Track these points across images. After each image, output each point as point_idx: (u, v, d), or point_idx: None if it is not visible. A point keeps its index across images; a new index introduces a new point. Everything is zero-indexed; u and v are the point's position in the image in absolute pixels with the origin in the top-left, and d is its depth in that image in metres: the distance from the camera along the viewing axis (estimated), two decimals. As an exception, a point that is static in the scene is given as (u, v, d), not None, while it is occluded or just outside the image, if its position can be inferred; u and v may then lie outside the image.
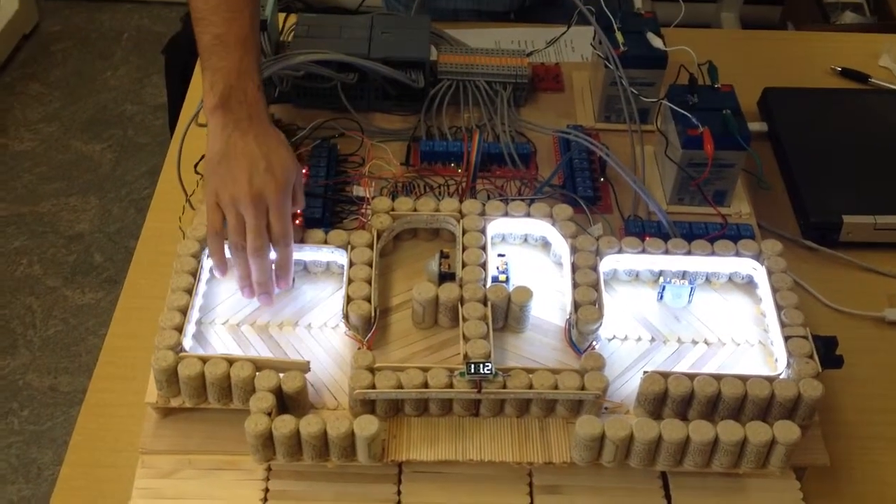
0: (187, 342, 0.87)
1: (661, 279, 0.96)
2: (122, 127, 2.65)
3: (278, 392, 0.82)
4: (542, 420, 0.86)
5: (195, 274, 0.91)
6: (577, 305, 0.90)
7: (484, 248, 0.95)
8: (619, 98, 1.14)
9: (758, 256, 0.96)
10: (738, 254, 0.96)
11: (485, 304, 0.89)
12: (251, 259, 0.91)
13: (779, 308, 0.91)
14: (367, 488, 0.84)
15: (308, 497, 0.84)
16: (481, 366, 0.82)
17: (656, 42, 1.16)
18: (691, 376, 0.83)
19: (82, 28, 3.00)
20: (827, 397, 0.85)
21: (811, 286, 1.06)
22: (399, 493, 0.84)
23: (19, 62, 2.85)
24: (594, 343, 0.90)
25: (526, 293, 0.90)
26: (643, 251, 0.96)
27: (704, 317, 0.94)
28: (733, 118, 1.05)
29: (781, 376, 0.86)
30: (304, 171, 1.06)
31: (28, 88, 2.76)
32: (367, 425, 0.79)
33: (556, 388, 0.83)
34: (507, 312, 0.91)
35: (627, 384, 0.88)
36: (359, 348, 0.88)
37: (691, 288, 0.95)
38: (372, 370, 0.83)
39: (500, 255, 0.97)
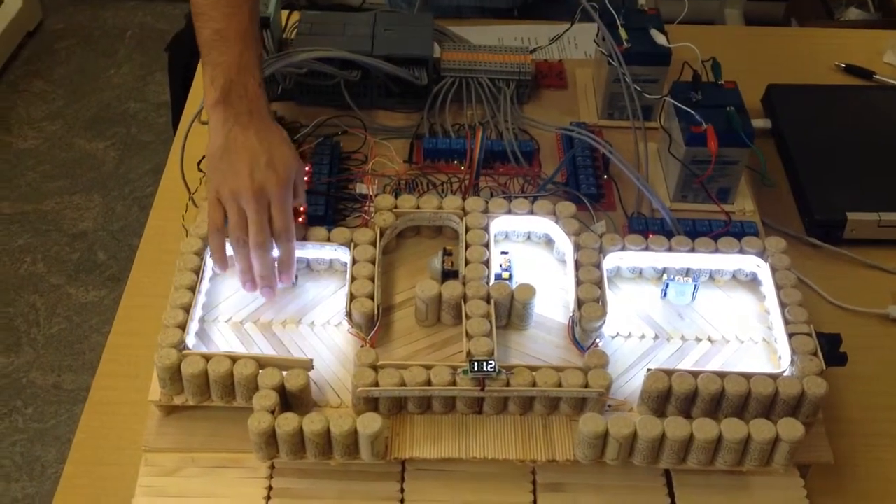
0: (190, 340, 0.87)
1: (665, 276, 0.96)
2: (125, 125, 2.66)
3: (281, 390, 0.82)
4: (545, 418, 0.85)
5: (198, 271, 0.91)
6: (580, 303, 0.90)
7: (487, 245, 0.95)
8: (622, 95, 1.14)
9: (761, 253, 0.96)
10: (741, 251, 0.96)
11: (488, 301, 0.89)
12: (253, 253, 0.91)
13: (782, 305, 0.91)
14: (370, 486, 0.84)
15: (311, 495, 0.84)
16: (484, 363, 0.82)
17: (660, 39, 1.16)
18: (695, 374, 0.83)
19: (86, 26, 3.01)
20: (831, 395, 0.84)
21: (815, 283, 1.06)
22: (402, 490, 0.84)
23: (23, 60, 2.85)
24: (597, 340, 0.90)
25: (529, 291, 0.90)
26: (647, 248, 0.95)
27: (708, 314, 0.94)
28: (737, 115, 1.05)
29: (785, 374, 0.85)
30: (306, 168, 1.06)
31: (32, 86, 2.76)
32: (371, 423, 0.79)
33: (559, 385, 0.83)
34: (511, 310, 0.91)
35: (631, 382, 0.88)
36: (362, 346, 0.88)
37: (695, 285, 0.94)
38: (375, 368, 0.83)
39: (503, 253, 0.97)
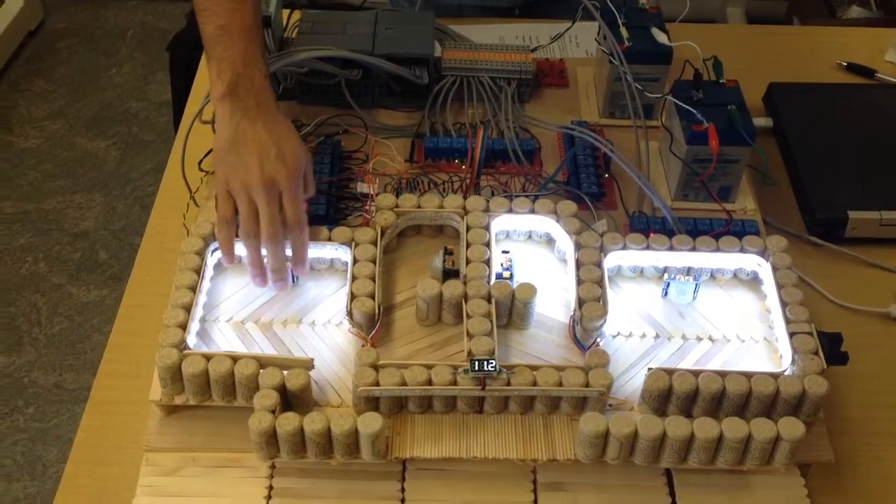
0: (191, 340, 0.87)
1: (666, 275, 0.95)
2: (126, 124, 2.66)
3: (282, 389, 0.82)
4: (546, 417, 0.85)
5: (199, 271, 0.91)
6: (581, 302, 0.90)
7: (488, 244, 0.95)
8: (623, 94, 1.14)
9: (763, 252, 0.95)
10: (742, 250, 0.95)
11: (489, 300, 0.89)
12: (266, 245, 0.91)
13: (784, 304, 0.91)
14: (370, 485, 0.84)
15: (312, 494, 0.84)
16: (485, 363, 0.82)
17: (661, 37, 1.16)
18: (696, 373, 0.83)
19: (87, 25, 3.01)
20: (832, 394, 0.84)
21: (816, 282, 1.05)
22: (403, 490, 0.84)
23: (24, 59, 2.85)
24: (598, 340, 0.89)
25: (530, 290, 0.90)
26: (648, 247, 0.95)
27: (709, 313, 0.94)
28: (738, 114, 1.05)
29: (786, 373, 0.85)
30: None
31: (33, 85, 2.76)
32: (371, 422, 0.79)
33: (560, 384, 0.83)
34: (511, 309, 0.91)
35: (632, 381, 0.88)
36: (362, 345, 0.88)
37: (696, 284, 0.94)
38: (376, 367, 0.83)
39: (504, 252, 0.97)
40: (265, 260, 0.92)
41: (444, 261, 0.94)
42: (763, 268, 0.95)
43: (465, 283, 0.91)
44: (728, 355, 0.91)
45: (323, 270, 0.97)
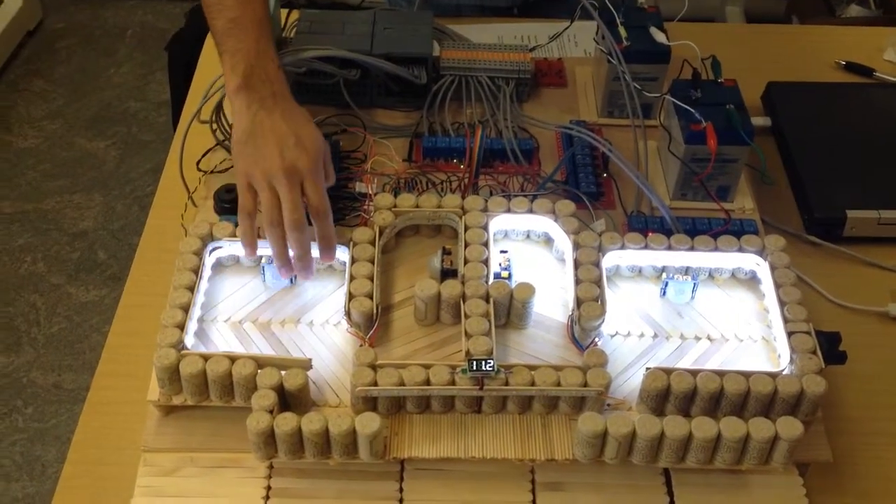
0: (189, 340, 0.87)
1: (664, 275, 0.95)
2: (125, 124, 2.66)
3: (280, 389, 0.82)
4: (544, 417, 0.85)
5: (197, 271, 0.91)
6: (579, 302, 0.90)
7: (486, 244, 0.95)
8: (622, 93, 1.13)
9: (761, 252, 0.95)
10: (741, 249, 0.95)
11: (487, 300, 0.89)
12: (290, 233, 0.90)
13: (782, 304, 0.91)
14: (369, 486, 0.84)
15: (310, 494, 0.84)
16: (483, 363, 0.82)
17: (659, 37, 1.16)
18: (694, 373, 0.83)
19: (86, 25, 3.01)
20: (830, 393, 0.84)
21: (815, 281, 1.05)
22: (401, 490, 0.84)
23: (23, 59, 2.85)
24: (596, 339, 0.89)
25: (528, 289, 0.90)
26: (646, 247, 0.95)
27: (707, 313, 0.94)
28: (737, 113, 1.05)
29: (784, 372, 0.85)
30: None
31: (32, 85, 2.76)
32: (369, 423, 0.79)
33: (558, 384, 0.83)
34: (510, 309, 0.91)
35: (630, 381, 0.88)
36: (361, 345, 0.88)
37: (694, 284, 0.94)
38: (374, 367, 0.83)
39: (502, 252, 0.97)
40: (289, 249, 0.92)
41: (443, 260, 0.94)
42: (761, 267, 0.95)
43: (463, 283, 0.91)
44: (726, 355, 0.91)
45: (321, 270, 0.97)
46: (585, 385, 0.83)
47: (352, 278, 0.91)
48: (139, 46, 2.93)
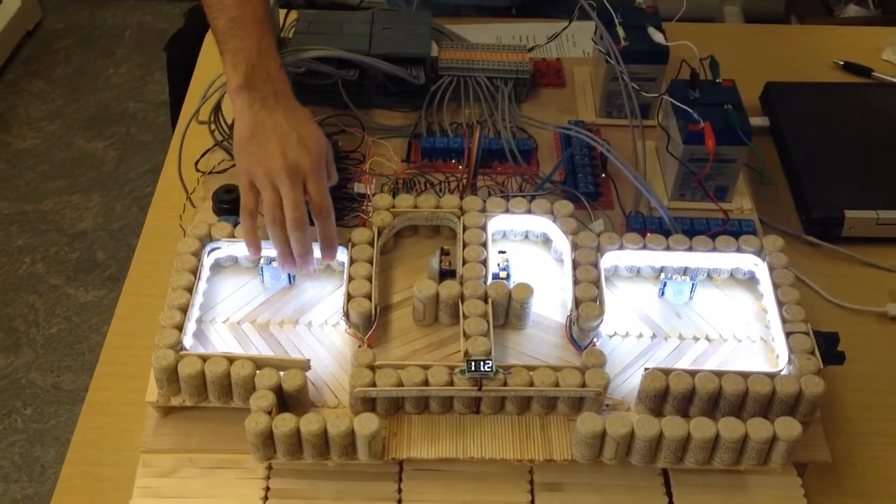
0: (188, 341, 0.87)
1: (663, 275, 0.95)
2: (124, 125, 2.66)
3: (279, 390, 0.82)
4: (542, 417, 0.85)
5: (195, 272, 0.91)
6: (577, 302, 0.90)
7: (485, 244, 0.95)
8: (620, 93, 1.13)
9: (759, 252, 0.95)
10: (739, 250, 0.95)
11: (485, 301, 0.89)
12: (291, 232, 0.90)
13: (780, 304, 0.91)
14: (367, 486, 0.84)
15: (309, 495, 0.84)
16: (482, 363, 0.82)
17: (658, 37, 1.16)
18: (692, 373, 0.83)
19: (85, 25, 3.01)
20: (828, 393, 0.84)
21: (813, 282, 1.05)
22: (400, 490, 0.84)
23: (22, 60, 2.85)
24: (595, 340, 0.89)
25: (527, 290, 0.90)
26: (644, 247, 0.95)
27: (706, 313, 0.94)
28: (735, 113, 1.05)
29: (783, 373, 0.85)
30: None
31: (31, 86, 2.76)
32: (368, 423, 0.79)
33: (556, 385, 0.83)
34: (508, 309, 0.91)
35: (628, 381, 0.88)
36: (359, 346, 0.88)
37: (692, 284, 0.94)
38: (372, 368, 0.83)
39: (500, 252, 0.96)
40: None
41: (441, 261, 0.94)
42: (759, 267, 0.95)
43: (461, 284, 0.91)
44: (724, 355, 0.91)
45: (319, 271, 0.97)
46: (584, 385, 0.83)
47: (350, 279, 0.91)
48: (138, 47, 2.93)
